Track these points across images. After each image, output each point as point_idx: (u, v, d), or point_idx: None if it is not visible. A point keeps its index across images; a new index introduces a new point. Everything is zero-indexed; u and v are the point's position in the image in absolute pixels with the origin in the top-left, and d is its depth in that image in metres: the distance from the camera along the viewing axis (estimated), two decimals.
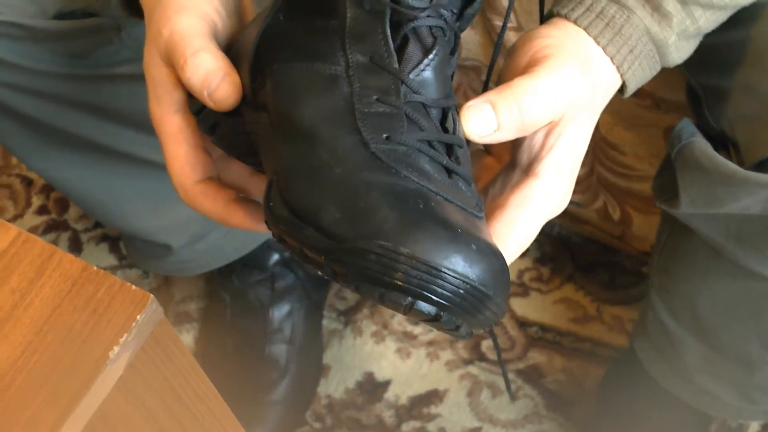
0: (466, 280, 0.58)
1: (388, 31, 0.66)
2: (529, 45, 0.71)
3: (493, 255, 0.60)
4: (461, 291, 0.58)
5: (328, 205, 0.60)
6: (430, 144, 0.64)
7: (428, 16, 0.67)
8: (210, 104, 0.69)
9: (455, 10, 0.69)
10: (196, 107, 0.71)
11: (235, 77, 0.69)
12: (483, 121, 0.67)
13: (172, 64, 0.70)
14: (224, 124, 0.71)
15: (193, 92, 0.70)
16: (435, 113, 0.66)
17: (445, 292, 0.58)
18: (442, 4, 0.67)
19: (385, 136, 0.63)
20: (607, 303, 1.52)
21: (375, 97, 0.65)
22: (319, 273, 0.62)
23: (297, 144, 0.64)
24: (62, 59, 0.99)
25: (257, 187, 0.76)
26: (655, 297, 1.13)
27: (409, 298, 0.58)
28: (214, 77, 0.69)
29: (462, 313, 0.59)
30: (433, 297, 0.58)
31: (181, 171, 0.72)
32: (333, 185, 0.61)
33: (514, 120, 0.67)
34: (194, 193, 0.73)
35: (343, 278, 0.60)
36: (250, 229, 0.74)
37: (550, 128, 0.69)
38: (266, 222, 0.65)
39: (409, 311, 0.59)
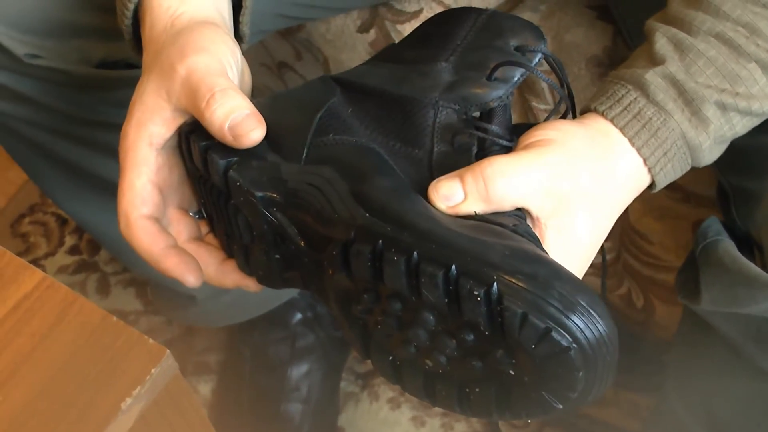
0: (614, 349, 0.61)
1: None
2: (534, 133, 0.71)
3: None
4: (608, 358, 0.61)
5: (495, 245, 0.62)
6: None
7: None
8: (228, 138, 0.70)
9: None
10: (204, 142, 0.71)
11: (261, 118, 0.71)
12: (450, 191, 0.68)
13: (191, 99, 0.70)
14: (245, 162, 0.71)
15: (212, 126, 0.70)
16: None
17: (600, 348, 0.60)
18: None
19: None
20: (625, 388, 1.51)
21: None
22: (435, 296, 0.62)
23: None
24: (102, 107, 1.00)
25: (200, 252, 0.76)
26: (672, 389, 1.12)
27: (571, 342, 0.59)
28: (240, 112, 0.70)
29: (600, 376, 0.61)
30: (589, 349, 0.60)
31: (131, 200, 0.73)
32: (491, 237, 0.64)
33: (480, 191, 0.67)
34: (137, 226, 0.73)
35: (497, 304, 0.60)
36: (175, 278, 0.73)
37: (535, 219, 0.69)
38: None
39: (560, 356, 0.59)
